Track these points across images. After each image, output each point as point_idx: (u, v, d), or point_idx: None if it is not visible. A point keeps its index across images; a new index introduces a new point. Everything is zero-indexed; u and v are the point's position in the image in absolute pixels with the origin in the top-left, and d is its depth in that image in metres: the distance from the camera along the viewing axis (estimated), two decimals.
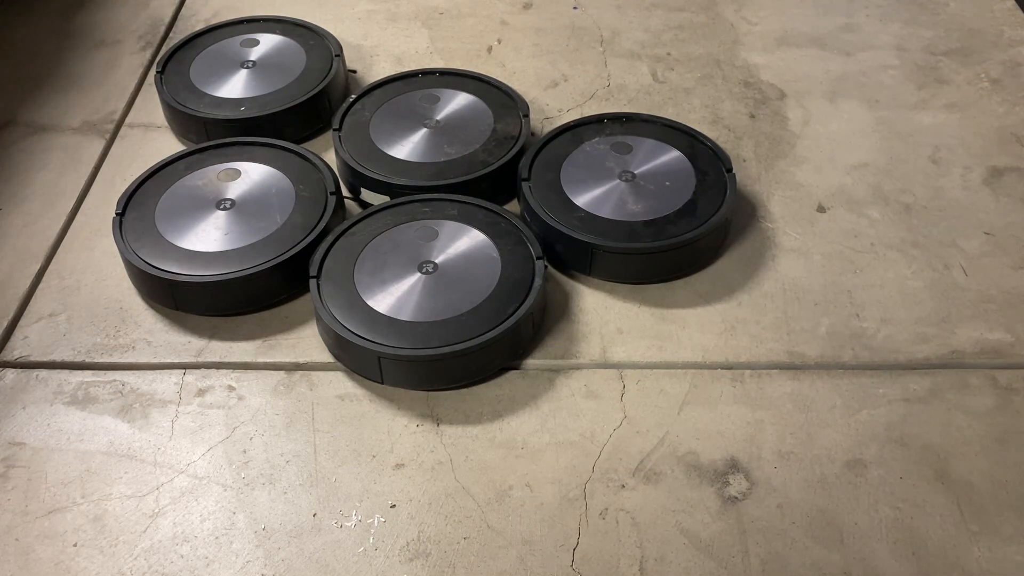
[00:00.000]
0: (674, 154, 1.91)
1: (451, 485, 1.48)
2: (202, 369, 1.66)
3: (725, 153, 1.91)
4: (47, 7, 2.50)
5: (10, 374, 1.65)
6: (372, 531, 1.43)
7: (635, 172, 1.86)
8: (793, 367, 1.64)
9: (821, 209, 1.93)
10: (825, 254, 1.83)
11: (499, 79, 2.10)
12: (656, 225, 1.76)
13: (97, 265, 1.83)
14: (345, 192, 1.95)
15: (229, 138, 1.97)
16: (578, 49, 2.35)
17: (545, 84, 2.25)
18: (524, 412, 1.58)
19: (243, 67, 2.15)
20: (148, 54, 2.35)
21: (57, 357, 1.67)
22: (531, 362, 1.66)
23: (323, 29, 2.26)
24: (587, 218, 1.78)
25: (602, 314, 1.73)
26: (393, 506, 1.46)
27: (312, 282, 1.67)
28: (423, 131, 1.97)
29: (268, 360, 1.66)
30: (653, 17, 2.46)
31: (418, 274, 1.68)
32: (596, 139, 1.94)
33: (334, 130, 1.98)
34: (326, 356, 1.67)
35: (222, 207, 1.81)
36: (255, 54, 2.18)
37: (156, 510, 1.46)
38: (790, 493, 1.46)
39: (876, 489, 1.47)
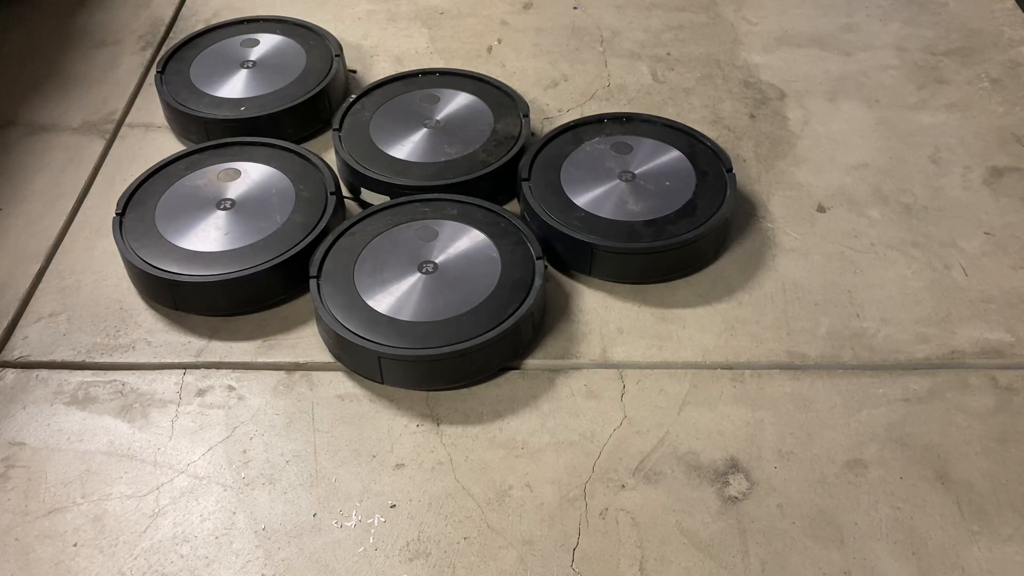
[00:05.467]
0: (674, 154, 1.91)
1: (451, 485, 1.48)
2: (202, 369, 1.66)
3: (725, 153, 1.91)
4: (47, 7, 2.50)
5: (10, 374, 1.65)
6: (372, 531, 1.43)
7: (635, 172, 1.86)
8: (793, 367, 1.64)
9: (821, 209, 1.93)
10: (825, 254, 1.83)
11: (499, 79, 2.10)
12: (656, 225, 1.76)
13: (97, 265, 1.83)
14: (345, 192, 1.95)
15: (229, 138, 1.97)
16: (578, 49, 2.35)
17: (545, 84, 2.25)
18: (524, 412, 1.58)
19: (243, 67, 2.15)
20: (148, 54, 2.35)
21: (57, 357, 1.68)
22: (531, 362, 1.66)
23: (323, 29, 2.26)
24: (587, 218, 1.78)
25: (602, 314, 1.73)
26: (393, 506, 1.46)
27: (312, 282, 1.67)
28: (423, 131, 1.97)
29: (268, 360, 1.66)
30: (653, 17, 2.46)
31: (418, 274, 1.68)
32: (596, 139, 1.94)
33: (334, 130, 1.98)
34: (326, 356, 1.67)
35: (222, 207, 1.81)
36: (255, 54, 2.18)
37: (156, 510, 1.46)
38: (790, 493, 1.46)
39: (876, 489, 1.47)
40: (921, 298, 1.75)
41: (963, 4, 2.47)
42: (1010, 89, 2.21)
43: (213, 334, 1.71)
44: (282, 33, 2.24)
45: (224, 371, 1.65)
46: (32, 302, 1.77)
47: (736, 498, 1.46)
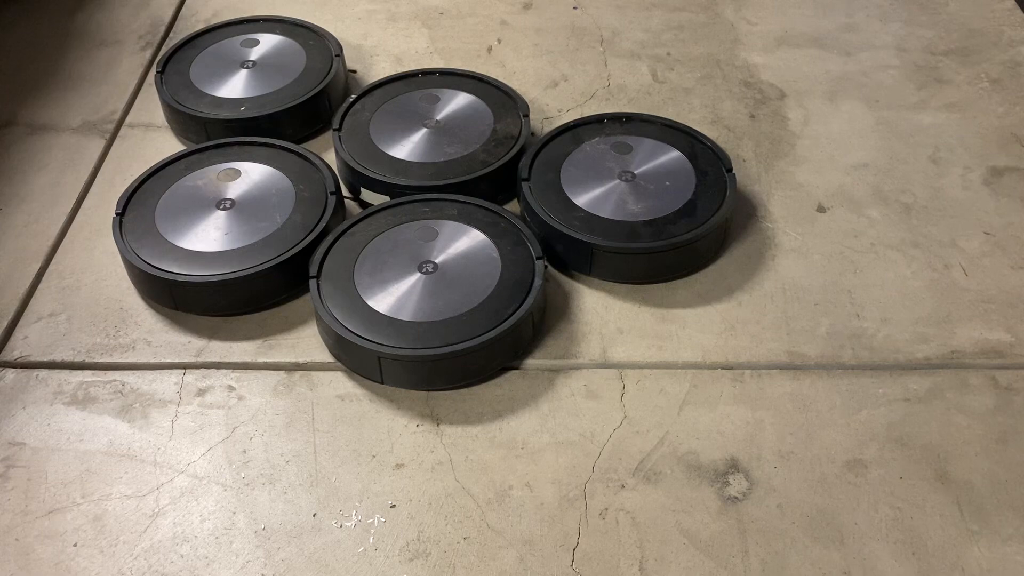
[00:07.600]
0: (674, 154, 1.91)
1: (451, 485, 1.48)
2: (202, 369, 1.66)
3: (725, 153, 1.91)
4: (47, 7, 2.50)
5: (10, 374, 1.65)
6: (372, 531, 1.43)
7: (635, 172, 1.86)
8: (793, 367, 1.64)
9: (821, 209, 1.93)
10: (825, 254, 1.84)
11: (499, 79, 2.10)
12: (656, 225, 1.76)
13: (97, 265, 1.83)
14: (345, 192, 1.95)
15: (229, 138, 1.97)
16: (578, 49, 2.35)
17: (545, 84, 2.25)
18: (524, 412, 1.58)
19: (243, 67, 2.15)
20: (148, 54, 2.35)
21: (57, 357, 1.68)
22: (531, 362, 1.66)
23: (323, 29, 2.26)
24: (587, 218, 1.78)
25: (602, 314, 1.73)
26: (393, 506, 1.46)
27: (312, 282, 1.67)
28: (423, 131, 1.97)
29: (268, 360, 1.67)
30: (653, 17, 2.46)
31: (418, 274, 1.68)
32: (596, 139, 1.94)
33: (334, 130, 1.98)
34: (326, 356, 1.67)
35: (222, 207, 1.81)
36: (255, 54, 2.18)
37: (156, 510, 1.46)
38: (790, 493, 1.46)
39: (876, 489, 1.47)
40: (921, 298, 1.75)
41: (963, 4, 2.47)
42: (1010, 89, 2.21)
43: (213, 334, 1.71)
44: (282, 33, 2.24)
45: (224, 371, 1.65)
46: (32, 302, 1.77)
47: (736, 498, 1.46)
